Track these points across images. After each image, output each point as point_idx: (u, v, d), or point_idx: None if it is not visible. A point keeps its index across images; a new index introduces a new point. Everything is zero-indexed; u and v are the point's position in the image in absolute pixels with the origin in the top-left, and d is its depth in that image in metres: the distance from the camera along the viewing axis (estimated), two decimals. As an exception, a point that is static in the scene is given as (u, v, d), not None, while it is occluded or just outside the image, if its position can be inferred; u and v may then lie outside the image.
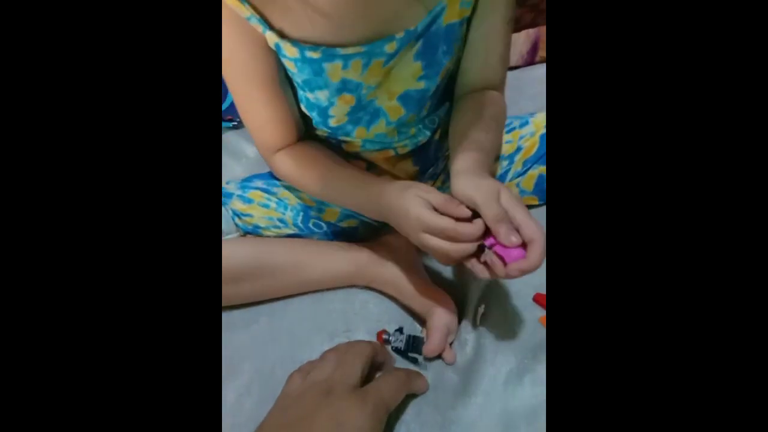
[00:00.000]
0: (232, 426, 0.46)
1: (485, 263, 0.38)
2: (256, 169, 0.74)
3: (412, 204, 0.39)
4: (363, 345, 0.43)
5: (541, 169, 0.58)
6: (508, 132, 0.61)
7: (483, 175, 0.39)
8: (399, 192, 0.41)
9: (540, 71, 0.87)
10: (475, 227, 0.37)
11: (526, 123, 0.60)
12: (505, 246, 0.35)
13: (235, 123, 0.86)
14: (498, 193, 0.37)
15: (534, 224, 0.35)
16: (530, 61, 0.87)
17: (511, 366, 0.45)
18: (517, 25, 0.83)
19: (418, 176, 0.58)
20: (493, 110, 0.48)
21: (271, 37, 0.41)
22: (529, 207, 0.61)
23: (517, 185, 0.60)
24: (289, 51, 0.41)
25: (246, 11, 0.39)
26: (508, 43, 0.49)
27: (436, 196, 0.39)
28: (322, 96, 0.45)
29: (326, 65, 0.42)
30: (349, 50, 0.41)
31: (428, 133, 0.53)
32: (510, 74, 0.89)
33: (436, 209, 0.39)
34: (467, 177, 0.39)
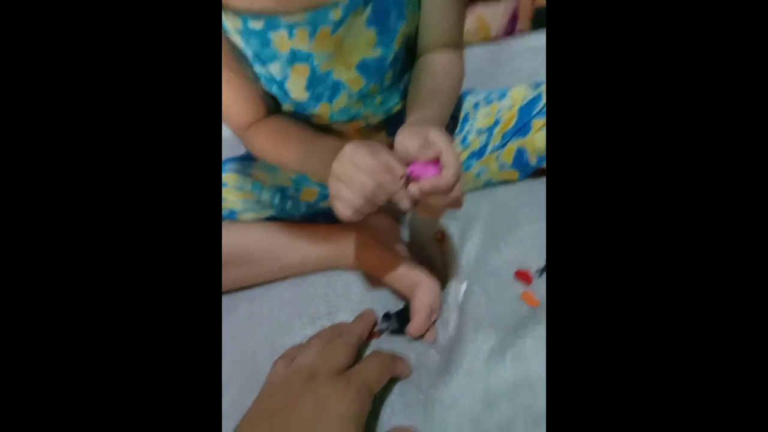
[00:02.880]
0: (214, 414, 0.46)
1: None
2: (231, 150, 0.72)
3: (353, 144, 0.39)
4: (353, 335, 0.43)
5: (520, 141, 0.57)
6: (487, 104, 0.60)
7: (421, 125, 0.40)
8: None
9: (519, 45, 0.85)
10: (398, 182, 0.37)
11: (504, 95, 0.59)
12: (424, 170, 0.38)
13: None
14: (427, 132, 0.38)
15: (452, 152, 0.37)
16: (510, 31, 0.85)
17: (492, 343, 0.45)
18: (496, -5, 0.81)
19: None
20: (444, 72, 0.48)
21: None
22: (509, 182, 0.61)
23: (497, 158, 0.59)
24: (232, 23, 0.41)
25: None
26: (462, 3, 0.48)
27: (386, 155, 0.38)
28: (274, 70, 0.44)
29: (272, 35, 0.41)
30: (292, 18, 0.40)
31: (397, 100, 0.51)
32: (487, 48, 0.88)
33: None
34: (407, 130, 0.39)
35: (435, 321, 0.49)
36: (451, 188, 0.37)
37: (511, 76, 0.78)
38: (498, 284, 0.50)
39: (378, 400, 0.44)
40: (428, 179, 0.37)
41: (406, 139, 0.38)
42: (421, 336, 0.48)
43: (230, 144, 0.81)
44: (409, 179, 0.38)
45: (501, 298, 0.49)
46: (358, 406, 0.36)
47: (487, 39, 0.85)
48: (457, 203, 0.39)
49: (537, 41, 0.85)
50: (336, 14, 0.41)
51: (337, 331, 0.45)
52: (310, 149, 0.46)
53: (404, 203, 0.38)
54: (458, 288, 0.51)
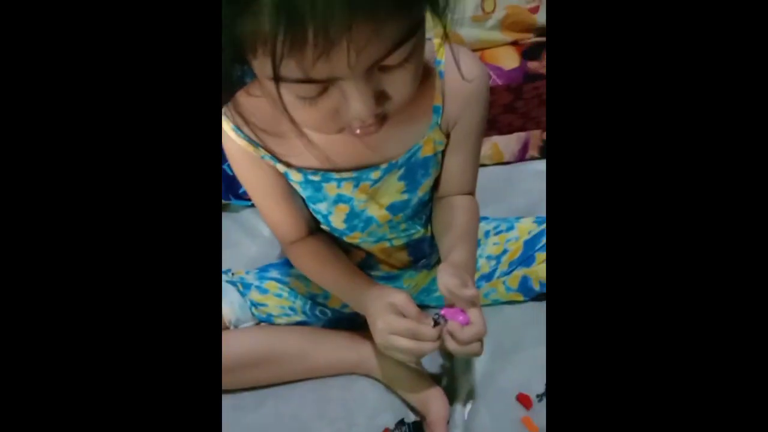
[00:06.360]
0: None
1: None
2: (270, 248, 0.82)
3: (380, 311, 0.49)
4: None
5: (524, 270, 0.65)
6: (497, 234, 0.69)
7: (461, 271, 0.49)
8: (373, 301, 0.51)
9: (530, 167, 0.97)
10: (434, 330, 0.47)
11: (512, 228, 0.68)
12: (454, 314, 0.47)
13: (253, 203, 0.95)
14: (467, 279, 0.48)
15: (480, 314, 0.48)
16: (521, 158, 0.97)
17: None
18: (509, 129, 0.94)
19: (411, 265, 0.66)
20: (468, 214, 0.59)
21: (281, 167, 0.52)
22: (514, 302, 0.68)
23: (504, 283, 0.67)
24: (295, 176, 0.53)
25: (260, 152, 0.51)
26: (477, 162, 0.60)
27: (410, 308, 0.48)
28: (322, 207, 0.56)
29: (324, 185, 0.53)
30: (342, 175, 0.52)
31: (419, 228, 0.62)
32: (502, 169, 1.00)
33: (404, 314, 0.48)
34: (451, 272, 0.48)
35: (442, 436, 0.54)
36: (467, 343, 0.46)
37: (522, 197, 0.89)
38: (501, 406, 0.55)
39: None
40: (455, 324, 0.46)
41: (450, 281, 0.47)
42: (429, 450, 0.52)
43: (269, 241, 0.92)
44: (440, 320, 0.47)
45: (503, 420, 0.54)
46: None
47: (501, 163, 0.97)
48: (473, 353, 0.48)
49: (545, 166, 0.96)
50: (376, 174, 0.53)
51: None
52: (346, 285, 0.56)
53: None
54: (464, 405, 0.56)
